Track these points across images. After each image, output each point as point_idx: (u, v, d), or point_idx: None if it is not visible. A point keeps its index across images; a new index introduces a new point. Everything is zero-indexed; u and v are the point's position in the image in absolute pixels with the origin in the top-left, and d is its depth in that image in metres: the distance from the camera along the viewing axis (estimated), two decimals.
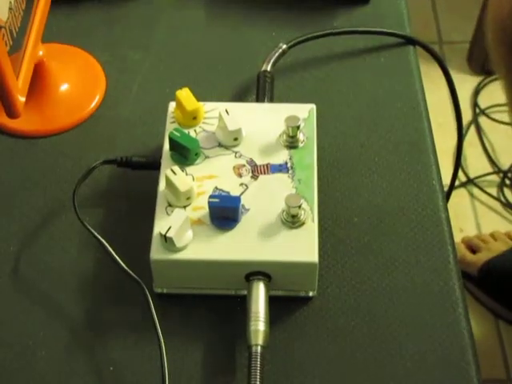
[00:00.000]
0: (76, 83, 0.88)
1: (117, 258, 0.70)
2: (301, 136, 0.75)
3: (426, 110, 0.86)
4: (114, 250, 0.70)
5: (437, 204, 0.78)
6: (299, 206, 0.68)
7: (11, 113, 0.75)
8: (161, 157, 0.74)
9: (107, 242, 0.71)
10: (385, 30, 0.91)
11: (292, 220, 0.69)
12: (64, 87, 0.87)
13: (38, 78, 0.84)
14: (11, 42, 0.74)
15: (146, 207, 0.73)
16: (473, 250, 1.64)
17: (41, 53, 0.83)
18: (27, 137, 0.84)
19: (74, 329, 0.71)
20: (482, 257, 1.59)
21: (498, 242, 1.63)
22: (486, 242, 1.64)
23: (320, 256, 0.69)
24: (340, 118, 0.85)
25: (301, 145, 0.75)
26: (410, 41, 0.92)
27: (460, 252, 1.61)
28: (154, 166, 0.75)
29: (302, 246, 0.68)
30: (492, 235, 1.66)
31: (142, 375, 0.67)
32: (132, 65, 0.91)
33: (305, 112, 0.77)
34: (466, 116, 1.92)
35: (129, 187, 0.79)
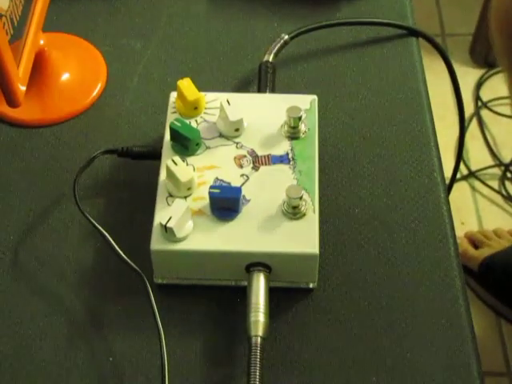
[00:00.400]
0: (77, 73, 0.87)
1: (117, 248, 0.70)
2: (302, 127, 0.75)
3: (428, 101, 0.85)
4: (114, 240, 0.70)
5: (438, 196, 0.77)
6: (300, 198, 0.68)
7: (12, 102, 0.74)
8: (162, 147, 0.74)
9: (107, 232, 0.71)
10: (387, 21, 0.91)
11: (293, 211, 0.69)
12: (65, 76, 0.87)
13: (39, 67, 0.83)
14: (12, 31, 0.74)
15: (147, 197, 0.72)
16: (475, 245, 1.63)
17: (42, 42, 0.83)
18: (28, 126, 0.84)
19: (74, 319, 0.71)
20: (484, 252, 1.59)
21: (502, 239, 1.62)
22: (489, 238, 1.63)
23: (321, 247, 0.68)
24: (342, 109, 0.84)
25: (302, 136, 0.74)
26: (413, 32, 0.91)
27: (462, 246, 1.60)
28: (155, 156, 0.75)
29: (302, 237, 0.68)
30: (495, 232, 1.65)
31: (142, 365, 0.67)
32: (133, 54, 0.90)
33: (306, 103, 0.77)
34: (468, 109, 1.91)
35: (129, 177, 0.79)
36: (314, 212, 0.69)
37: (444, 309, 0.70)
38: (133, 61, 0.90)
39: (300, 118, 0.74)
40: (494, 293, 1.59)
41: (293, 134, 0.74)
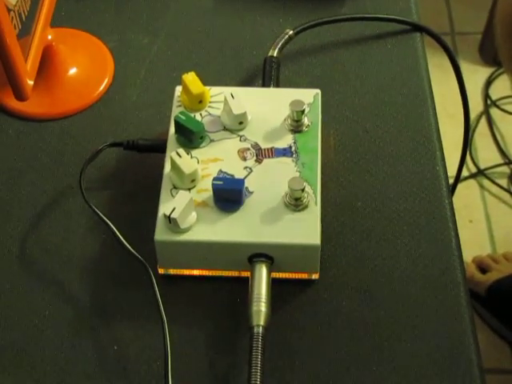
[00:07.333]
0: (84, 67, 0.88)
1: (122, 239, 0.71)
2: (305, 120, 0.75)
3: (432, 96, 0.86)
4: (119, 231, 0.71)
5: (440, 190, 0.78)
6: (302, 190, 0.69)
7: (20, 96, 0.75)
8: (167, 140, 0.75)
9: (113, 224, 0.72)
10: (392, 16, 0.91)
11: (295, 203, 0.70)
12: (72, 71, 0.88)
13: (47, 62, 0.85)
14: (20, 26, 0.75)
15: (152, 189, 0.73)
16: (484, 270, 1.61)
17: (49, 37, 0.84)
18: (36, 120, 0.85)
19: (80, 308, 0.72)
20: (492, 277, 1.55)
21: (511, 262, 1.60)
22: (498, 261, 1.60)
23: (323, 239, 0.69)
24: (345, 103, 0.85)
25: (305, 129, 0.75)
26: (417, 28, 0.92)
27: (469, 271, 1.57)
28: (160, 149, 0.75)
29: (304, 229, 0.69)
30: (505, 255, 1.63)
31: (146, 354, 0.68)
32: (140, 49, 0.91)
33: (310, 97, 0.77)
34: (478, 107, 1.91)
35: (135, 170, 0.80)
36: (316, 204, 0.70)
37: (444, 301, 0.70)
38: (139, 56, 0.91)
39: (303, 112, 0.75)
40: (502, 320, 1.56)
41: (296, 128, 0.75)
